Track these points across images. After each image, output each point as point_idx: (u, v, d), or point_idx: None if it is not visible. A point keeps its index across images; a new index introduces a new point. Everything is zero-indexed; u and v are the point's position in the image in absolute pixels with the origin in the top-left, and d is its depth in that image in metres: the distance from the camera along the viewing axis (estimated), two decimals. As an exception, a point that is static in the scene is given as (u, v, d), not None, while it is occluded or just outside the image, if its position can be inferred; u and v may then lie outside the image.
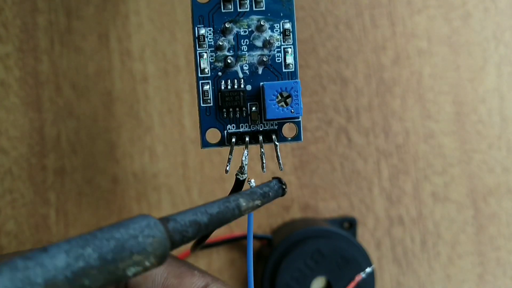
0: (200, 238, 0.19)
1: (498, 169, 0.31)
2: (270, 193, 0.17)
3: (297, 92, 0.19)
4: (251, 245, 0.18)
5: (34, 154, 0.29)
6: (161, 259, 0.11)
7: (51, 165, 0.29)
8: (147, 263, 0.11)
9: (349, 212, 0.30)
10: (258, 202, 0.16)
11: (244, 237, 0.29)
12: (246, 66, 0.20)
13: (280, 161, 0.20)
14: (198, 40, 0.19)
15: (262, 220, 0.30)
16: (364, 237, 0.30)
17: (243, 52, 0.20)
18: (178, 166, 0.30)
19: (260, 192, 0.16)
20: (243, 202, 0.15)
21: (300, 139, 0.20)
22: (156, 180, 0.29)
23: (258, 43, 0.20)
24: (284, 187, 0.18)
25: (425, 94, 0.31)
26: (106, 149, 0.29)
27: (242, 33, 0.20)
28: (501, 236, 0.31)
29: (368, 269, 0.27)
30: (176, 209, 0.29)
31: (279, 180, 0.18)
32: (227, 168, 0.19)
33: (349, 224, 0.30)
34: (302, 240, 0.27)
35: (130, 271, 0.10)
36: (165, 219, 0.12)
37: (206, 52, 0.20)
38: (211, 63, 0.20)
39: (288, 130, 0.20)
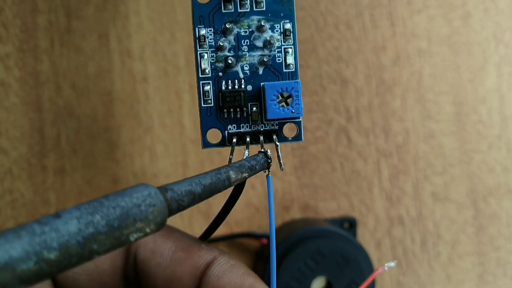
0: (209, 229, 0.19)
1: (498, 169, 0.31)
2: (257, 167, 0.18)
3: (297, 92, 0.19)
4: (272, 212, 0.19)
5: (34, 154, 0.29)
6: (160, 226, 0.12)
7: (51, 165, 0.29)
8: (147, 230, 0.12)
9: (349, 212, 0.30)
10: (246, 174, 0.17)
11: (244, 236, 0.29)
12: (246, 66, 0.20)
13: (281, 161, 0.20)
14: (199, 41, 0.19)
15: (262, 220, 0.30)
16: (364, 237, 0.30)
17: (243, 53, 0.20)
18: (178, 166, 0.30)
19: (248, 165, 0.17)
20: (232, 174, 0.16)
21: (301, 139, 0.20)
22: (156, 180, 0.29)
23: (259, 43, 0.20)
24: (269, 160, 0.19)
25: (425, 94, 0.31)
26: (106, 149, 0.29)
27: (242, 34, 0.20)
28: (501, 236, 0.31)
29: (391, 264, 0.26)
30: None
31: (265, 154, 0.19)
32: (228, 168, 0.19)
33: (349, 224, 0.30)
34: (302, 240, 0.27)
35: (133, 237, 0.11)
36: (164, 188, 0.13)
37: (206, 53, 0.20)
38: (211, 64, 0.20)
39: (288, 130, 0.20)
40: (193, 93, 0.29)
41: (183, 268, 0.18)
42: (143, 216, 0.11)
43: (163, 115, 0.30)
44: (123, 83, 0.29)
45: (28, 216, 0.29)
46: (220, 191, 0.15)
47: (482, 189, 0.31)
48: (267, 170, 0.19)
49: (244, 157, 0.19)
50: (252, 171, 0.17)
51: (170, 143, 0.30)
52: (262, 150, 0.19)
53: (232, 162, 0.19)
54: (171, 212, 0.13)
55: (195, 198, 0.14)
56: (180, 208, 0.13)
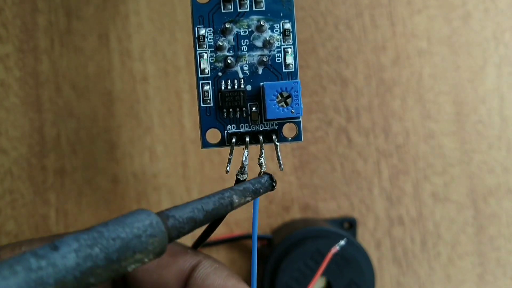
0: (200, 238, 0.19)
1: (498, 169, 0.31)
2: (261, 190, 0.18)
3: (297, 92, 0.19)
4: (255, 231, 0.19)
5: (34, 154, 0.29)
6: (158, 255, 0.12)
7: (51, 165, 0.29)
8: (146, 260, 0.11)
9: (349, 212, 0.30)
10: (249, 198, 0.17)
11: (244, 237, 0.29)
12: (246, 66, 0.20)
13: (281, 161, 0.20)
14: (198, 41, 0.19)
15: (262, 220, 0.30)
16: (364, 237, 0.30)
17: (243, 52, 0.20)
18: (178, 166, 0.30)
19: (252, 189, 0.17)
20: (236, 199, 0.16)
21: (300, 139, 0.20)
22: (156, 180, 0.29)
23: (258, 43, 0.20)
24: (274, 184, 0.18)
25: (425, 94, 0.31)
26: (106, 149, 0.29)
27: (242, 33, 0.20)
28: (501, 236, 0.31)
29: (341, 242, 0.27)
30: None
31: (270, 177, 0.18)
32: (228, 168, 0.19)
33: (349, 224, 0.30)
34: (302, 240, 0.27)
35: (131, 268, 0.11)
36: (165, 215, 0.13)
37: (206, 53, 0.20)
38: (211, 63, 0.20)
39: (288, 130, 0.20)
40: (193, 93, 0.29)
41: (169, 272, 0.18)
42: (143, 247, 0.11)
43: (163, 115, 0.30)
44: (123, 83, 0.29)
45: (28, 216, 0.29)
46: (221, 215, 0.15)
47: (482, 189, 0.31)
48: None
49: (244, 158, 0.19)
50: (256, 194, 0.17)
51: (170, 143, 0.30)
52: (268, 173, 0.19)
53: (231, 161, 0.19)
54: (171, 240, 0.12)
55: (196, 225, 0.14)
56: (179, 235, 0.13)
